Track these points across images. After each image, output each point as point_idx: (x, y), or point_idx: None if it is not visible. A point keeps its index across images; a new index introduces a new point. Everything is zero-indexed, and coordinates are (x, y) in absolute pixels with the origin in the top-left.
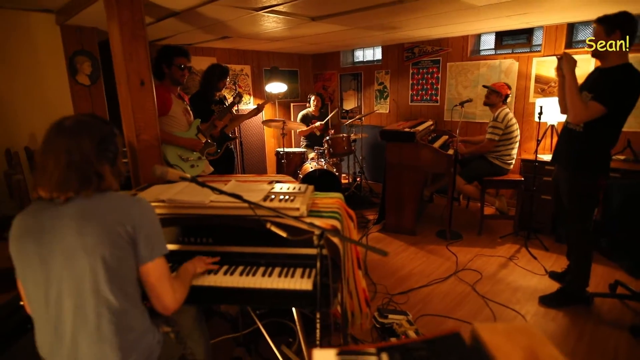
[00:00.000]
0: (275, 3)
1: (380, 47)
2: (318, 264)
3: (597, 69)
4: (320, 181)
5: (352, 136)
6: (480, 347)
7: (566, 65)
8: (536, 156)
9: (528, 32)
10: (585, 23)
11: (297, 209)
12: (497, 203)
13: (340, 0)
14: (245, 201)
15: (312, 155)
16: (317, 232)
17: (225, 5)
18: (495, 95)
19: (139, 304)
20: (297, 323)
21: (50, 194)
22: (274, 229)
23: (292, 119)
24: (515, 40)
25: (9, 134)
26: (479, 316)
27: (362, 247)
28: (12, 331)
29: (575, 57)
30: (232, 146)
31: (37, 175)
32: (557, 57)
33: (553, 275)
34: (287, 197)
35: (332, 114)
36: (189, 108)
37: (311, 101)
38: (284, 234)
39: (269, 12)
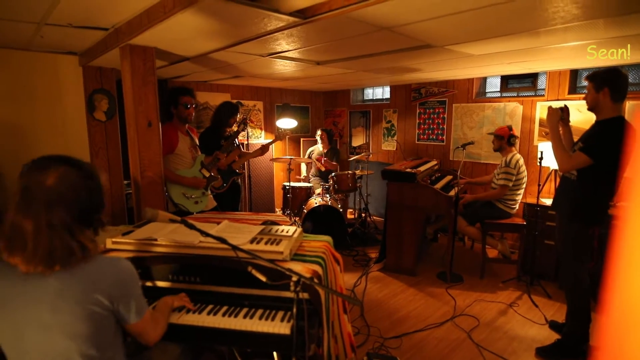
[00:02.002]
0: (280, 50)
1: (389, 86)
2: (294, 310)
3: (595, 122)
4: (325, 216)
5: (358, 172)
6: None
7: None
8: (538, 200)
9: (533, 76)
10: (589, 69)
11: (281, 253)
12: (500, 246)
13: (340, 48)
14: (227, 244)
15: (318, 190)
16: (294, 278)
17: (233, 51)
18: (497, 140)
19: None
20: None
21: (34, 268)
22: (254, 272)
23: (301, 154)
24: (520, 83)
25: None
26: None
27: (335, 295)
28: None
29: (579, 102)
30: (239, 180)
31: (11, 239)
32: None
33: (553, 325)
34: (273, 240)
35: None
36: (196, 144)
37: (318, 137)
38: (263, 278)
39: (276, 58)
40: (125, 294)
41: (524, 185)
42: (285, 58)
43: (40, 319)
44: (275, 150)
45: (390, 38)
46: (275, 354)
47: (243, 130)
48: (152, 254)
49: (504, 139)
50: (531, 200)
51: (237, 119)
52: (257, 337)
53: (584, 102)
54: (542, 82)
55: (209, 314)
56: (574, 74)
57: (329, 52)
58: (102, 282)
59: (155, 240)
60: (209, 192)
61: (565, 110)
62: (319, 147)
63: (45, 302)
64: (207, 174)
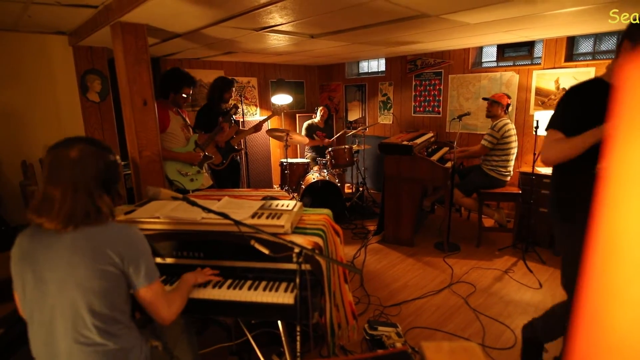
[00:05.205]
0: (273, 24)
1: (384, 59)
2: (297, 280)
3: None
4: (323, 191)
5: (355, 147)
6: None
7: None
8: (533, 169)
9: (529, 45)
10: (586, 36)
11: (282, 226)
12: (496, 215)
13: (335, 20)
14: (230, 219)
15: (315, 166)
16: (296, 249)
17: (225, 27)
18: (496, 106)
19: (128, 324)
20: (282, 334)
21: (55, 226)
22: (257, 246)
23: (297, 130)
24: (516, 52)
25: (25, 146)
26: (468, 329)
27: (336, 264)
28: (15, 340)
29: (575, 70)
30: (238, 157)
31: (41, 205)
32: None
33: None
34: (274, 214)
35: (339, 134)
36: (187, 124)
37: (318, 112)
38: (266, 251)
39: (269, 32)
40: (135, 256)
41: (514, 152)
42: (279, 32)
43: (57, 271)
44: (271, 125)
45: (385, 8)
46: (280, 322)
47: (235, 113)
48: (156, 231)
49: (502, 106)
50: (526, 169)
51: (233, 94)
52: (262, 308)
53: (581, 69)
54: (538, 51)
55: (214, 287)
56: (571, 41)
57: (324, 25)
58: (113, 241)
59: (159, 218)
60: (204, 170)
61: None
62: (315, 121)
63: (63, 257)
64: (201, 154)
